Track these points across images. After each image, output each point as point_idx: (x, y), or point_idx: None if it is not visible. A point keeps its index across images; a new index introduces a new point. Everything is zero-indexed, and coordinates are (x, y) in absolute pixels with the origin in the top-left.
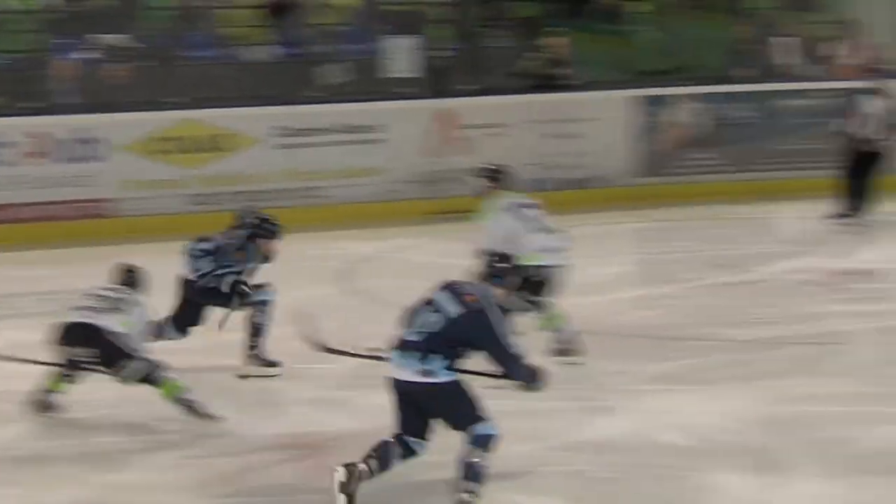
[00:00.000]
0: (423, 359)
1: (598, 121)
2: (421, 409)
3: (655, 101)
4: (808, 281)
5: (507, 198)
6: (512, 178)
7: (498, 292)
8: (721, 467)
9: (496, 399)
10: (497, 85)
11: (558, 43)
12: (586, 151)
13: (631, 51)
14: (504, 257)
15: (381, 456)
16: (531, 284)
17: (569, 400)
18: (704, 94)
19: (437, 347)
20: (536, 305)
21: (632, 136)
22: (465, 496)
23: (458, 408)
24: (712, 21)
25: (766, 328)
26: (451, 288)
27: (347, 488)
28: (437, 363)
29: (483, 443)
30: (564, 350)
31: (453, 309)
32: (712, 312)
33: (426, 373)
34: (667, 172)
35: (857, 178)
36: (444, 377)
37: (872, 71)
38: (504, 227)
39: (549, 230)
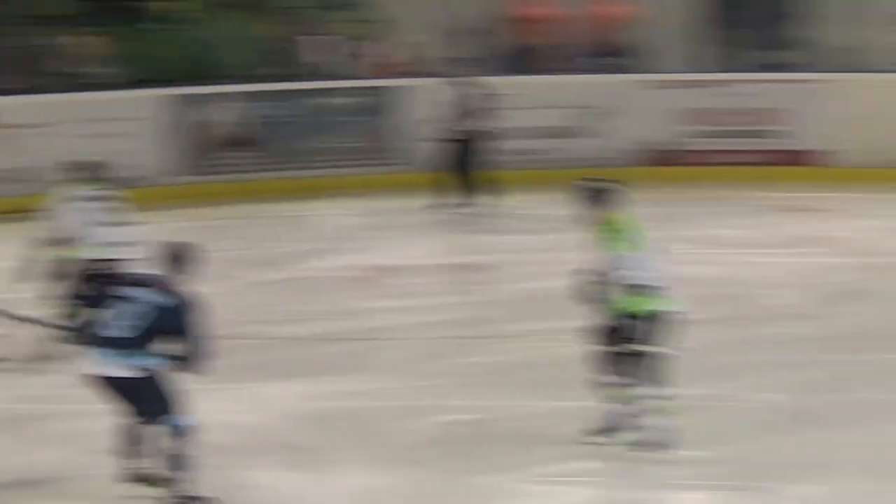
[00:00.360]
0: (133, 353)
1: (133, 120)
2: (129, 400)
3: (191, 100)
4: (353, 277)
5: (80, 191)
6: (92, 172)
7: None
8: (266, 464)
9: None
10: (42, 83)
11: (87, 42)
12: (122, 151)
13: (165, 50)
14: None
15: (134, 443)
16: (92, 277)
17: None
18: (242, 93)
19: (145, 340)
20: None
21: (168, 136)
22: (183, 486)
23: (161, 398)
24: (247, 20)
25: (313, 325)
26: (144, 282)
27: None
28: (145, 356)
29: (186, 432)
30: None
31: (161, 300)
32: (261, 310)
33: (136, 367)
34: (207, 171)
35: (460, 168)
36: (150, 369)
37: (407, 69)
38: (70, 219)
39: (118, 224)
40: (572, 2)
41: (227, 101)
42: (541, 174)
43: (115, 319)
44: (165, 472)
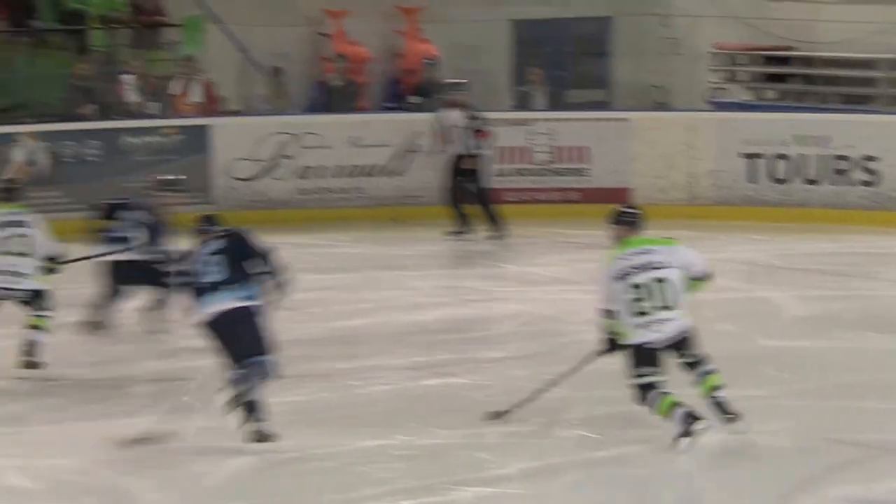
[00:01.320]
0: (235, 288)
1: None
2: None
3: None
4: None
5: None
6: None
7: None
8: None
9: None
10: None
11: None
12: None
13: None
14: None
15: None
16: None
17: None
18: (45, 131)
19: (238, 275)
20: None
21: None
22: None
23: (260, 334)
24: (53, 58)
25: (118, 366)
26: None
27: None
28: (246, 288)
29: (271, 371)
30: None
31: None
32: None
33: (243, 298)
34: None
35: (462, 196)
36: (254, 300)
37: (214, 108)
38: None
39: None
40: (384, 40)
41: (30, 140)
42: (345, 212)
43: (205, 266)
44: (250, 410)
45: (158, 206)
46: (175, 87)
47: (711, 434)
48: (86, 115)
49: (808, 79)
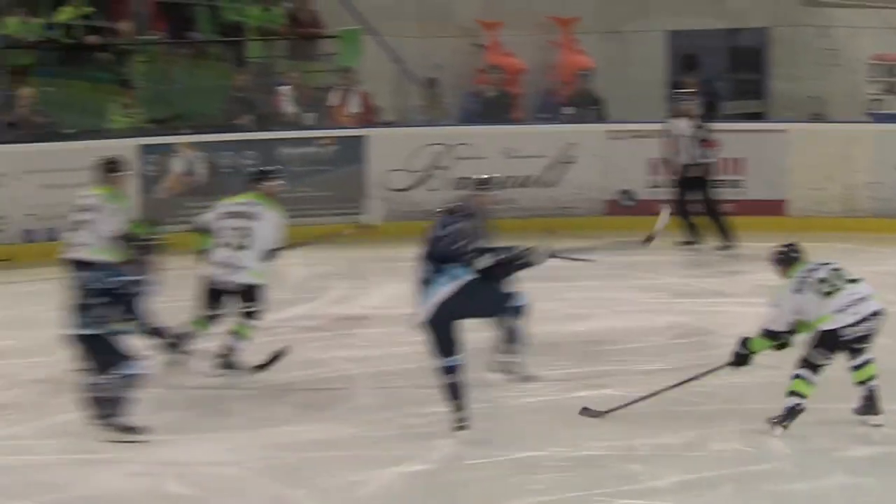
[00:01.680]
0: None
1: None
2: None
3: (157, 149)
4: (313, 327)
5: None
6: None
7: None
8: None
9: None
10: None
11: (30, 92)
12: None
13: (131, 99)
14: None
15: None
16: None
17: (61, 453)
18: (203, 142)
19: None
20: None
21: (135, 186)
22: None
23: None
24: (211, 69)
25: (274, 374)
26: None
27: None
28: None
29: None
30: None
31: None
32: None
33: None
34: (170, 222)
35: (690, 206)
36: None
37: (370, 119)
38: None
39: None
40: (534, 51)
41: (191, 151)
42: (498, 223)
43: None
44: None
45: (477, 207)
46: (332, 98)
47: (866, 447)
48: (243, 125)
49: None
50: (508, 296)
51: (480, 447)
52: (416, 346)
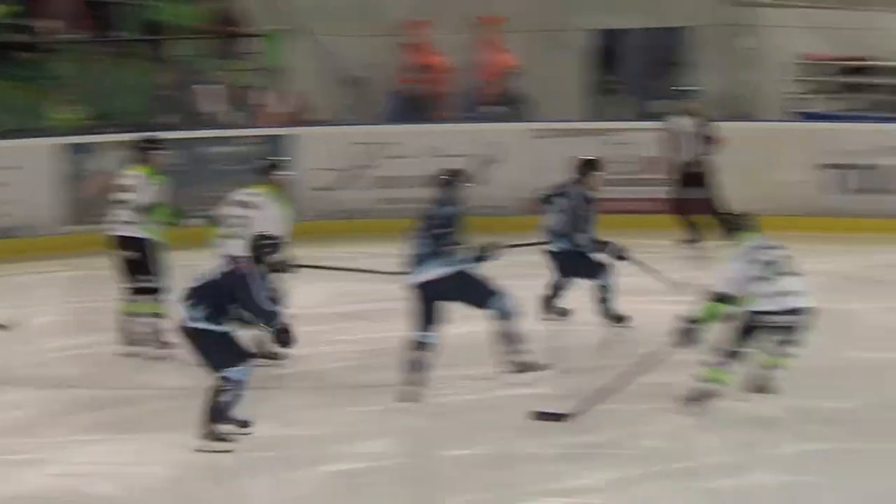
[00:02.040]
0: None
1: (21, 169)
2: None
3: (79, 148)
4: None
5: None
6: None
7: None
8: None
9: None
10: None
11: None
12: (10, 200)
13: (52, 98)
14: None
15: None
16: None
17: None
18: (128, 141)
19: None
20: None
21: (56, 185)
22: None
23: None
24: (135, 68)
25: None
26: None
27: None
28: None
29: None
30: None
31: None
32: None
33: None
34: (94, 220)
35: (690, 204)
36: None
37: (298, 118)
38: None
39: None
40: (460, 50)
41: (114, 150)
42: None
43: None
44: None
45: (586, 190)
46: (258, 98)
47: (797, 444)
48: (168, 124)
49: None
50: (495, 292)
51: (410, 446)
52: (344, 346)
